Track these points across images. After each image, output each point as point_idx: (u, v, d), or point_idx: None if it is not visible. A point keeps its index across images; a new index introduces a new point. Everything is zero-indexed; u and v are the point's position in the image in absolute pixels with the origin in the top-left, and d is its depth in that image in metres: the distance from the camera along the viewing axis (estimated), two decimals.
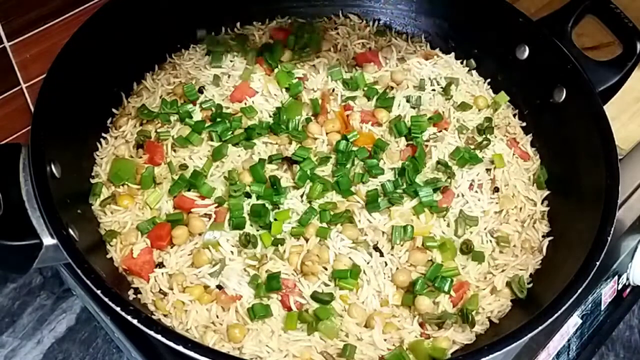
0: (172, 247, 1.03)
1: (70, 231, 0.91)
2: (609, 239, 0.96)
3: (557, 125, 1.20)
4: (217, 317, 0.97)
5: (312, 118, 1.19)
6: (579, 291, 0.91)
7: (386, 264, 1.04)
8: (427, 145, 1.17)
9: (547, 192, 1.17)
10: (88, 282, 0.85)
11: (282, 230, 1.04)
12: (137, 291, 1.00)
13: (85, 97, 1.10)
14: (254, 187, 1.07)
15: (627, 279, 1.39)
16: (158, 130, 1.14)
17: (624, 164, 1.29)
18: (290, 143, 1.15)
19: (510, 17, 1.25)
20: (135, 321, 0.82)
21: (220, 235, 1.03)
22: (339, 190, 1.10)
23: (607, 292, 1.33)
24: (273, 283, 0.97)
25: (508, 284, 1.04)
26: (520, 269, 1.07)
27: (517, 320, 0.94)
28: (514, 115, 1.28)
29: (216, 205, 1.06)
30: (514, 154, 1.21)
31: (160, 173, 1.10)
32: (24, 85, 1.21)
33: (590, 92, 1.14)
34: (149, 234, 1.03)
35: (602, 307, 1.34)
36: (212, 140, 1.14)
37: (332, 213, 1.06)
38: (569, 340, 1.25)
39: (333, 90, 1.24)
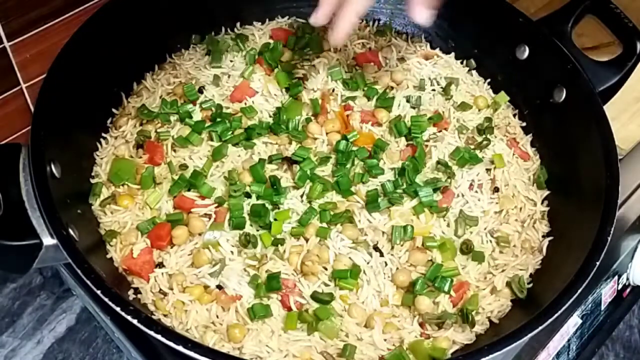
0: (172, 247, 1.03)
1: (70, 231, 0.91)
2: (609, 239, 0.96)
3: (557, 125, 1.20)
4: (217, 317, 0.97)
5: (312, 118, 1.19)
6: (579, 291, 0.91)
7: (386, 264, 1.04)
8: (427, 145, 1.17)
9: (547, 192, 1.17)
10: (88, 282, 0.85)
11: (282, 230, 1.04)
12: (137, 291, 0.99)
13: (85, 97, 1.10)
14: (254, 187, 1.07)
15: (627, 279, 1.39)
16: (158, 130, 1.14)
17: (624, 164, 1.29)
18: (290, 143, 1.15)
19: (510, 17, 1.25)
20: (135, 321, 0.82)
21: (220, 235, 1.03)
22: (339, 190, 1.10)
23: (607, 292, 1.33)
24: (273, 283, 0.97)
25: (508, 284, 1.04)
26: (520, 269, 1.07)
27: (517, 320, 0.94)
28: (514, 115, 1.28)
29: (216, 205, 1.06)
30: (514, 154, 1.21)
31: (160, 173, 1.10)
32: (24, 85, 1.21)
33: (590, 92, 1.14)
34: (149, 234, 1.03)
35: (602, 307, 1.34)
36: (212, 140, 1.14)
37: (332, 213, 1.06)
38: (569, 340, 1.25)
39: (333, 90, 1.24)
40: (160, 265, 1.01)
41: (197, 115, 1.18)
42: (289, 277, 1.00)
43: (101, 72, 1.13)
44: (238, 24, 1.35)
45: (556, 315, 0.89)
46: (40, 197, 0.90)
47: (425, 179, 1.13)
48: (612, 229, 0.97)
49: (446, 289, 1.01)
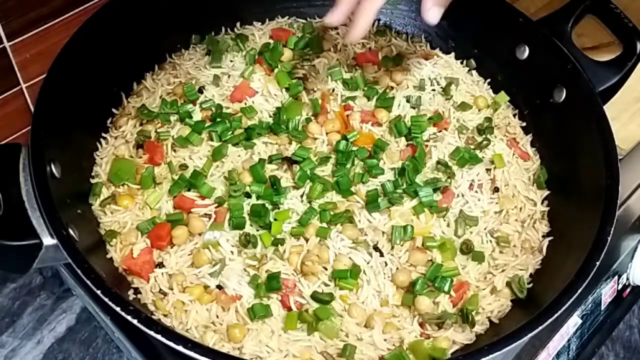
0: (172, 247, 1.03)
1: (70, 231, 0.91)
2: (609, 239, 0.96)
3: (557, 125, 1.20)
4: (217, 317, 0.97)
5: (312, 118, 1.19)
6: (579, 291, 0.91)
7: (386, 264, 1.04)
8: (427, 145, 1.17)
9: (547, 192, 1.17)
10: (88, 282, 0.85)
11: (282, 230, 1.04)
12: (137, 291, 0.99)
13: (85, 97, 1.10)
14: (254, 187, 1.07)
15: (627, 279, 1.39)
16: (158, 130, 1.14)
17: (624, 164, 1.29)
18: (290, 143, 1.15)
19: (510, 17, 1.25)
20: (135, 321, 0.82)
21: (220, 235, 1.03)
22: (339, 190, 1.10)
23: (607, 292, 1.33)
24: (273, 283, 0.97)
25: (508, 284, 1.04)
26: (520, 269, 1.07)
27: (517, 320, 0.94)
28: (514, 115, 1.28)
29: (216, 205, 1.06)
30: (514, 154, 1.21)
31: (160, 173, 1.10)
32: (24, 85, 1.21)
33: (590, 92, 1.14)
34: (149, 234, 1.03)
35: (602, 307, 1.34)
36: (212, 140, 1.14)
37: (332, 213, 1.06)
38: (569, 340, 1.25)
39: (333, 90, 1.24)
40: (160, 265, 1.01)
41: (197, 115, 1.18)
42: (289, 277, 1.00)
43: (101, 72, 1.13)
44: (238, 24, 1.35)
45: (556, 315, 0.89)
46: (40, 197, 0.90)
47: (425, 179, 1.13)
48: (612, 229, 0.97)
49: (446, 289, 1.01)
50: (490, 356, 0.85)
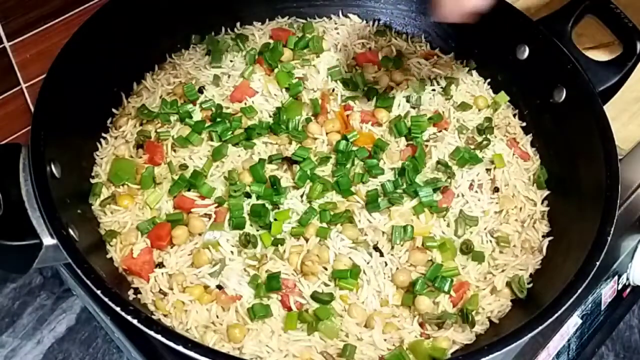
0: (172, 247, 1.03)
1: (70, 231, 0.91)
2: (609, 239, 0.96)
3: (557, 125, 1.20)
4: (217, 317, 0.97)
5: (312, 118, 1.19)
6: (579, 291, 0.91)
7: (386, 264, 1.04)
8: (427, 145, 1.17)
9: (547, 192, 1.17)
10: (88, 282, 0.85)
11: (282, 230, 1.04)
12: (137, 291, 0.99)
13: (85, 97, 1.10)
14: (254, 187, 1.07)
15: (627, 279, 1.39)
16: (158, 130, 1.14)
17: (624, 164, 1.29)
18: (290, 143, 1.15)
19: (510, 17, 1.25)
20: (135, 321, 0.82)
21: (220, 235, 1.03)
22: (339, 190, 1.10)
23: (607, 292, 1.33)
24: (273, 283, 0.97)
25: (508, 284, 1.04)
26: (520, 269, 1.07)
27: (517, 320, 0.94)
28: (514, 115, 1.28)
29: (216, 205, 1.06)
30: (514, 154, 1.21)
31: (160, 173, 1.10)
32: (24, 85, 1.21)
33: (590, 92, 1.14)
34: (149, 234, 1.03)
35: (602, 307, 1.34)
36: (212, 140, 1.14)
37: (332, 213, 1.06)
38: (569, 340, 1.25)
39: (333, 90, 1.24)
40: (160, 265, 1.01)
41: (197, 115, 1.18)
42: (289, 277, 1.00)
43: (101, 72, 1.13)
44: (238, 24, 1.35)
45: (556, 315, 0.89)
46: (40, 197, 0.90)
47: (425, 179, 1.13)
48: (612, 229, 0.97)
49: (446, 289, 1.01)
50: (490, 356, 0.85)
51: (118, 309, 0.83)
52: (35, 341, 1.20)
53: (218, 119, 1.16)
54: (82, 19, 1.13)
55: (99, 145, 1.14)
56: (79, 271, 0.86)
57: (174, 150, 1.13)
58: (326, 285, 1.01)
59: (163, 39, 1.27)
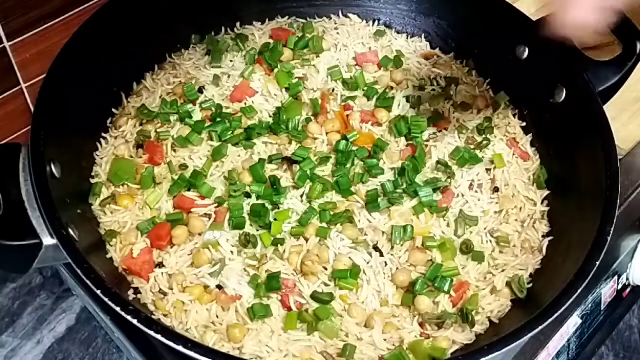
0: (172, 247, 1.03)
1: (70, 231, 0.91)
2: (609, 239, 0.96)
3: (557, 125, 1.20)
4: (217, 317, 0.97)
5: (312, 118, 1.19)
6: (579, 291, 0.91)
7: (386, 264, 1.04)
8: (427, 145, 1.17)
9: (547, 192, 1.17)
10: (88, 282, 0.85)
11: (282, 230, 1.04)
12: (137, 291, 0.99)
13: (85, 97, 1.10)
14: (254, 187, 1.07)
15: (627, 279, 1.39)
16: (158, 130, 1.14)
17: (624, 164, 1.29)
18: (290, 143, 1.15)
19: (510, 17, 1.25)
20: (135, 321, 0.82)
21: (220, 235, 1.03)
22: (339, 190, 1.10)
23: (607, 292, 1.33)
24: (273, 283, 0.97)
25: (508, 284, 1.04)
26: (520, 269, 1.07)
27: (517, 320, 0.94)
28: (514, 115, 1.27)
29: (216, 205, 1.06)
30: (514, 154, 1.20)
31: (160, 173, 1.10)
32: (24, 85, 1.21)
33: (590, 92, 1.13)
34: (149, 234, 1.03)
35: (602, 307, 1.34)
36: (212, 140, 1.14)
37: (332, 213, 1.06)
38: (569, 340, 1.25)
39: (333, 90, 1.24)
40: (160, 265, 1.01)
41: (197, 115, 1.18)
42: (289, 277, 1.00)
43: (101, 72, 1.13)
44: (238, 24, 1.35)
45: (556, 315, 0.89)
46: (40, 197, 0.90)
47: (425, 179, 1.13)
48: (612, 229, 0.97)
49: (446, 289, 1.01)
50: (490, 356, 0.85)
51: (118, 309, 0.83)
52: (35, 341, 1.20)
53: (218, 119, 1.16)
54: (82, 19, 1.13)
55: (99, 145, 1.14)
56: (79, 271, 0.85)
57: (174, 150, 1.13)
58: (326, 285, 1.01)
59: (163, 39, 1.27)
